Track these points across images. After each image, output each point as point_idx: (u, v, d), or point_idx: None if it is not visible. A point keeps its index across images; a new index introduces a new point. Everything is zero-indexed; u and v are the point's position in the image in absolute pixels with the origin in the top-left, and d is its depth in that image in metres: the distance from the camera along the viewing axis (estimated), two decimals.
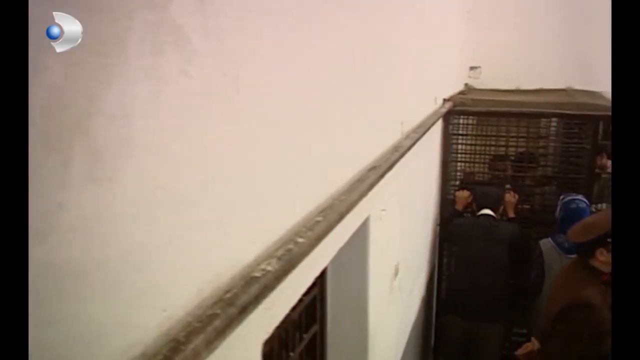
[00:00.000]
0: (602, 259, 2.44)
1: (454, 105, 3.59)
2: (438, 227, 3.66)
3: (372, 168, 1.69)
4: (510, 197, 3.66)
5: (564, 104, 3.80)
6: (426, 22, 3.02)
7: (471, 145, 4.00)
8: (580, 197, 3.34)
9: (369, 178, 1.59)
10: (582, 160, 3.65)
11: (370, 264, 1.91)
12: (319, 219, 1.21)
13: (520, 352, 2.85)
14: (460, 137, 3.91)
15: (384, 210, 2.00)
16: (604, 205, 4.13)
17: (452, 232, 3.54)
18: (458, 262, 3.60)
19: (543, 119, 3.97)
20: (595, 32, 5.11)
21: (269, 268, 0.96)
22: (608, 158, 4.18)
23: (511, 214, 3.62)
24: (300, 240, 1.09)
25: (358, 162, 1.63)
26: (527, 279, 3.34)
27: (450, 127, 3.71)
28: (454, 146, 3.86)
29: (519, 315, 3.63)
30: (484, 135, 4.02)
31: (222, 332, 0.79)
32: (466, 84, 4.98)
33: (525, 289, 3.52)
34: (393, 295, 2.39)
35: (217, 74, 0.85)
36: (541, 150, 3.94)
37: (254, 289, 0.89)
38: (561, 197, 3.45)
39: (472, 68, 5.14)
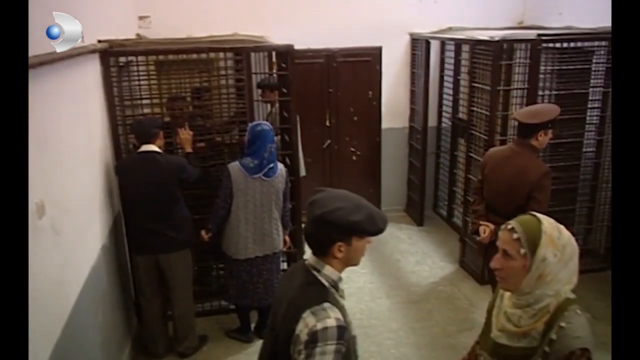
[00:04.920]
0: (541, 139, 3.18)
1: (111, 46, 3.50)
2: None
3: None
4: (185, 134, 3.76)
5: (226, 40, 4.05)
6: None
7: (151, 87, 3.86)
8: (264, 122, 3.62)
9: None
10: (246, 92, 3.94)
11: None
12: None
13: (482, 238, 3.31)
14: (135, 80, 3.79)
15: None
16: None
17: (117, 173, 3.51)
18: (129, 201, 3.58)
19: (216, 60, 4.12)
20: None
21: None
22: (272, 91, 4.66)
23: (188, 149, 3.74)
24: None
25: None
26: (217, 199, 3.51)
27: (113, 69, 3.60)
28: (130, 89, 3.78)
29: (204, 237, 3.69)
30: (164, 78, 3.98)
31: None
32: (138, 34, 4.92)
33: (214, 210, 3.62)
34: (42, 236, 2.24)
35: None
36: (209, 85, 4.12)
37: None
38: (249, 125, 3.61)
39: (141, 17, 5.10)
